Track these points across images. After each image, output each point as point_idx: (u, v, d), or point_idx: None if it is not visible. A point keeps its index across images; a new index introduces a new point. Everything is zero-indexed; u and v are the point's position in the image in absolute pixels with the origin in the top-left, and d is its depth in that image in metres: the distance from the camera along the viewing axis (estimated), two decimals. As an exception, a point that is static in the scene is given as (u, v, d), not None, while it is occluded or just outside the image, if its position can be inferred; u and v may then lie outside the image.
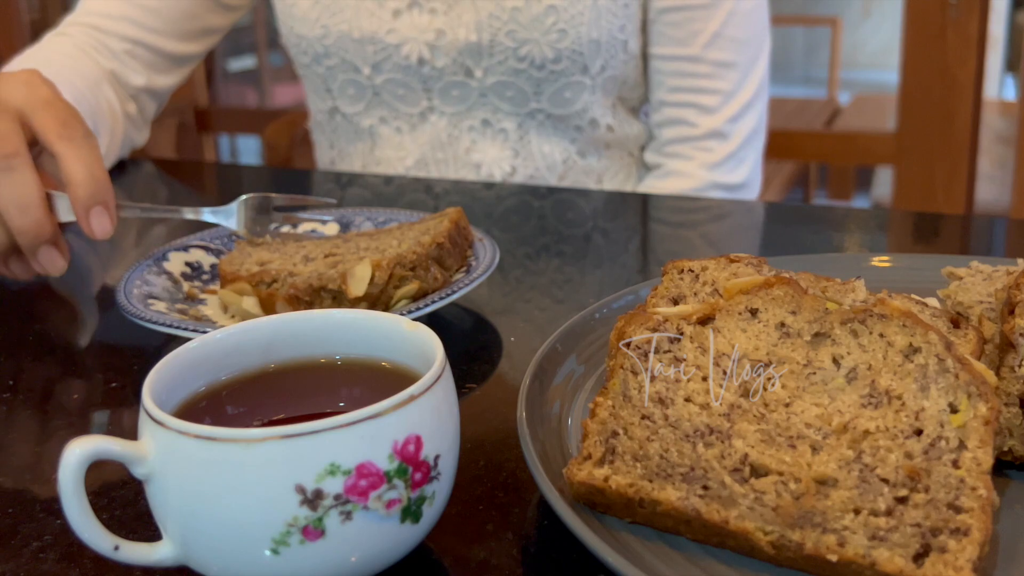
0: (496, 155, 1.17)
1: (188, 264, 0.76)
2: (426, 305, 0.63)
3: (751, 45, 1.15)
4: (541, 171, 1.17)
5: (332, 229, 0.82)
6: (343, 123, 1.24)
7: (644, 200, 1.06)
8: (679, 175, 1.17)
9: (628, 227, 0.98)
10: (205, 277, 0.75)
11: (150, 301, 0.67)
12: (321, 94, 1.23)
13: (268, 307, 0.66)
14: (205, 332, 0.59)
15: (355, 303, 0.65)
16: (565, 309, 0.74)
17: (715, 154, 1.16)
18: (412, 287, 0.66)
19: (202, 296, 0.72)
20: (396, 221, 0.81)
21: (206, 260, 0.77)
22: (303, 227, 0.82)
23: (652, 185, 1.18)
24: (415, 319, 0.47)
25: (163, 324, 0.62)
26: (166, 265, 0.74)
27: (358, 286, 0.64)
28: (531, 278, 0.83)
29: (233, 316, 0.68)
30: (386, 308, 0.65)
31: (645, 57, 1.18)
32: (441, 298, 0.64)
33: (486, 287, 0.80)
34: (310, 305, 0.65)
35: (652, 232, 0.99)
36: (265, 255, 0.72)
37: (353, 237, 0.75)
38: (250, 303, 0.67)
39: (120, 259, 0.93)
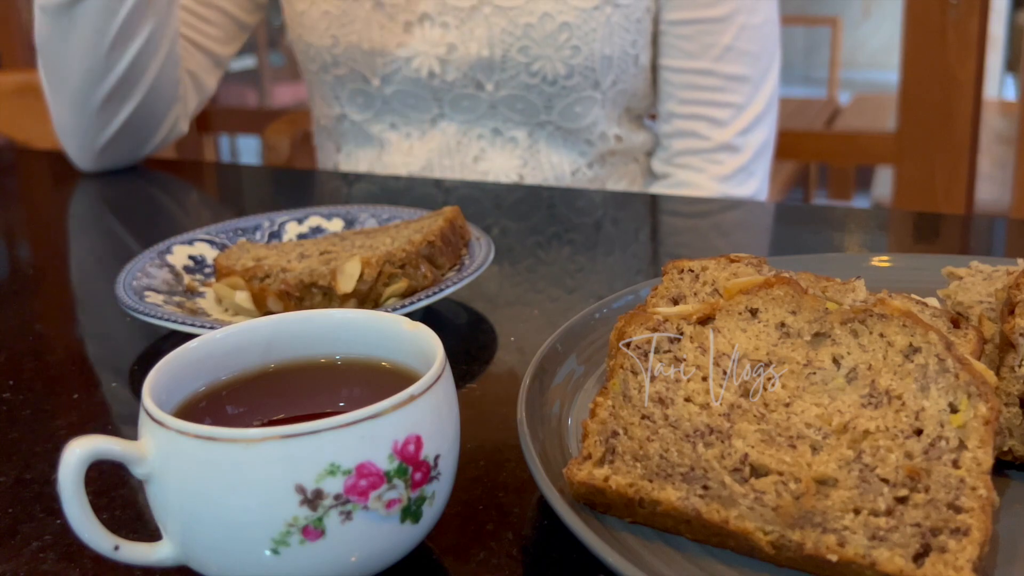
0: (504, 164, 1.17)
1: (191, 257, 0.76)
2: (412, 303, 0.63)
3: (762, 58, 1.15)
4: (549, 181, 1.17)
5: (337, 226, 0.82)
6: (351, 129, 1.24)
7: (650, 199, 1.06)
8: (689, 186, 1.17)
9: (636, 221, 0.98)
10: (207, 271, 0.75)
11: (147, 293, 0.68)
12: (329, 101, 1.23)
13: (260, 302, 0.67)
14: (194, 324, 0.60)
15: (344, 300, 0.65)
16: (570, 302, 0.74)
17: (726, 167, 1.16)
18: (401, 285, 0.66)
19: (201, 289, 0.73)
20: (400, 219, 0.81)
21: (210, 254, 0.77)
22: (308, 224, 0.82)
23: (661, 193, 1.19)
24: (402, 316, 0.47)
25: (153, 316, 0.62)
26: (169, 258, 0.74)
27: (347, 283, 0.65)
28: (542, 267, 0.84)
29: (227, 310, 0.69)
30: (375, 305, 0.66)
31: (654, 68, 1.18)
32: (429, 296, 0.64)
33: (494, 281, 0.80)
34: (300, 301, 0.66)
35: (655, 229, 0.99)
36: (262, 251, 0.73)
37: (350, 235, 0.75)
38: (242, 297, 0.68)
39: (124, 259, 0.93)
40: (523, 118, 1.15)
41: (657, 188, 1.20)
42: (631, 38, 1.12)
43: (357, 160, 1.25)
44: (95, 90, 1.10)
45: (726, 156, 1.16)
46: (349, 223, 0.82)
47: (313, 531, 0.38)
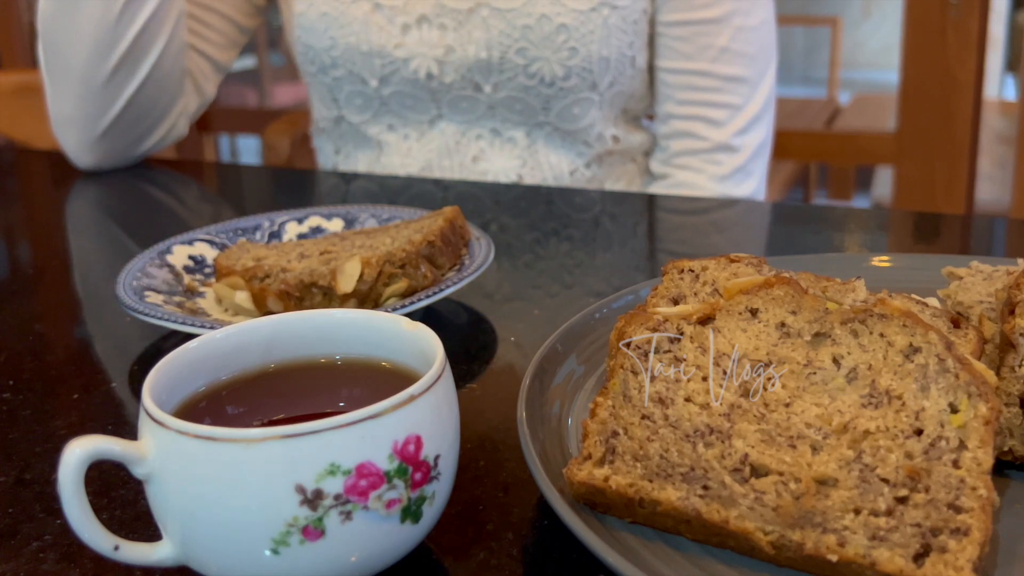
0: (503, 164, 1.17)
1: (191, 257, 0.76)
2: (412, 303, 0.63)
3: (759, 59, 1.15)
4: (548, 181, 1.17)
5: (337, 226, 0.82)
6: (349, 130, 1.24)
7: (649, 197, 1.06)
8: (687, 186, 1.17)
9: (634, 218, 0.98)
10: (207, 271, 0.75)
11: (146, 293, 0.68)
12: (327, 103, 1.23)
13: (260, 302, 0.67)
14: (194, 324, 0.60)
15: (344, 300, 0.65)
16: (569, 298, 0.74)
17: (724, 167, 1.16)
18: (401, 285, 0.66)
19: (201, 289, 0.73)
20: (400, 218, 0.81)
21: (210, 254, 0.77)
22: (308, 224, 0.82)
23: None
24: (403, 316, 0.47)
25: (153, 316, 0.62)
26: (169, 258, 0.75)
27: (347, 283, 0.65)
28: (541, 263, 0.84)
29: (227, 310, 0.69)
30: (375, 305, 0.66)
31: (651, 69, 1.18)
32: (428, 296, 0.64)
33: (492, 278, 0.80)
34: (300, 301, 0.66)
35: (652, 226, 0.99)
36: (262, 251, 0.73)
37: (350, 235, 0.76)
38: (242, 297, 0.68)
39: (124, 259, 0.93)
40: (521, 119, 1.15)
41: (655, 188, 1.20)
42: (628, 39, 1.12)
43: (356, 162, 1.25)
44: (101, 64, 1.10)
45: (724, 156, 1.16)
46: (349, 223, 0.82)
47: (313, 531, 0.38)
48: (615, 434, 0.45)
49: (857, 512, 0.40)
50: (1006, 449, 0.47)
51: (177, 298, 0.70)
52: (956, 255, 0.66)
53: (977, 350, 0.49)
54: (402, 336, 0.46)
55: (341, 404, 0.46)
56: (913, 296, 0.54)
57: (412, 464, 0.40)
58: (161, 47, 1.12)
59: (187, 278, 0.74)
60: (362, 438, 0.38)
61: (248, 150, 4.38)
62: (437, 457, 0.41)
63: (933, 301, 0.54)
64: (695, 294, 0.55)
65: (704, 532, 0.42)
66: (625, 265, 0.85)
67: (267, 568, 0.39)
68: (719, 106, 1.15)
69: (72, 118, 1.14)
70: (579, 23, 1.08)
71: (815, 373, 0.46)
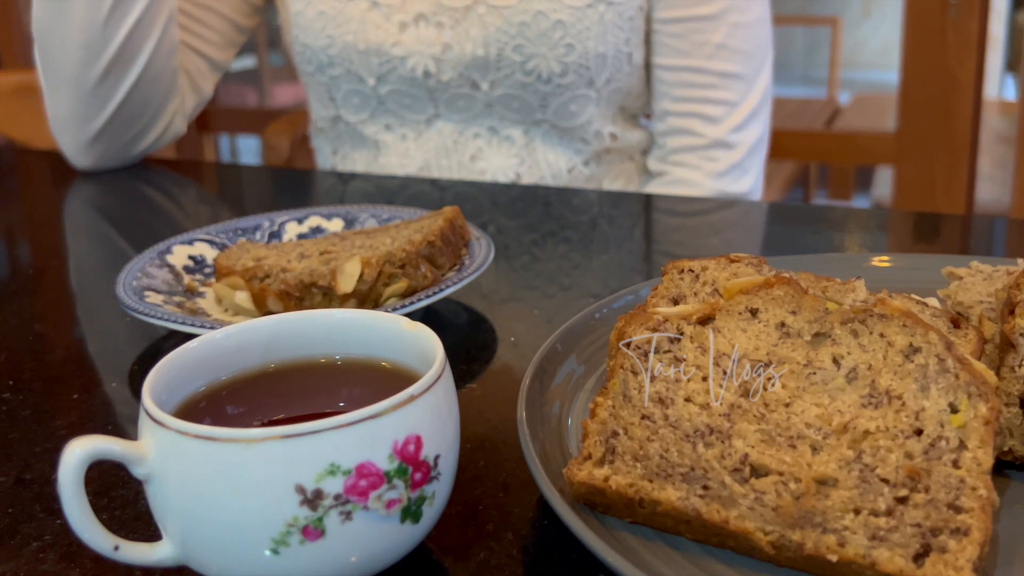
0: (501, 163, 1.17)
1: (191, 257, 0.76)
2: (412, 303, 0.63)
3: (755, 56, 1.16)
4: (546, 180, 1.17)
5: (337, 226, 0.82)
6: (346, 130, 1.24)
7: (647, 198, 1.06)
8: (684, 183, 1.17)
9: (631, 219, 0.98)
10: (207, 271, 0.75)
11: (146, 293, 0.68)
12: (324, 102, 1.23)
13: (260, 302, 0.67)
14: (194, 324, 0.60)
15: (344, 300, 0.65)
16: (567, 299, 0.74)
17: (720, 163, 1.16)
18: (401, 285, 0.66)
19: (201, 289, 0.73)
20: (400, 218, 0.81)
21: (210, 254, 0.77)
22: (308, 224, 0.82)
23: (657, 192, 1.19)
24: (402, 316, 0.47)
25: (153, 316, 0.63)
26: (169, 258, 0.75)
27: (347, 283, 0.65)
28: (538, 265, 0.84)
29: (227, 310, 0.69)
30: (375, 305, 0.66)
31: (648, 66, 1.19)
32: (429, 296, 0.64)
33: (490, 279, 0.80)
34: (300, 301, 0.66)
35: (649, 228, 0.99)
36: (262, 251, 0.73)
37: (350, 235, 0.76)
38: (242, 297, 0.68)
39: (124, 259, 0.93)
40: (519, 117, 1.15)
41: (653, 186, 1.20)
42: (624, 36, 1.12)
43: (353, 163, 1.25)
44: (91, 67, 1.10)
45: (720, 153, 1.16)
46: (349, 223, 0.82)
47: (313, 531, 0.38)
48: (615, 434, 0.45)
49: (857, 512, 0.40)
50: (1006, 449, 0.47)
51: (177, 298, 0.70)
52: (956, 255, 0.66)
53: (977, 350, 0.49)
54: (402, 336, 0.46)
55: (341, 404, 0.46)
56: (913, 296, 0.54)
57: (412, 464, 0.40)
58: (151, 49, 1.12)
59: (187, 278, 0.74)
60: (362, 438, 0.38)
61: (248, 150, 4.38)
62: (437, 457, 0.41)
63: (933, 301, 0.54)
64: (695, 294, 0.55)
65: (704, 532, 0.42)
66: (622, 267, 0.85)
67: (267, 568, 0.39)
68: (715, 103, 1.15)
69: (67, 120, 1.15)
70: (575, 19, 1.08)
71: (815, 373, 0.46)
